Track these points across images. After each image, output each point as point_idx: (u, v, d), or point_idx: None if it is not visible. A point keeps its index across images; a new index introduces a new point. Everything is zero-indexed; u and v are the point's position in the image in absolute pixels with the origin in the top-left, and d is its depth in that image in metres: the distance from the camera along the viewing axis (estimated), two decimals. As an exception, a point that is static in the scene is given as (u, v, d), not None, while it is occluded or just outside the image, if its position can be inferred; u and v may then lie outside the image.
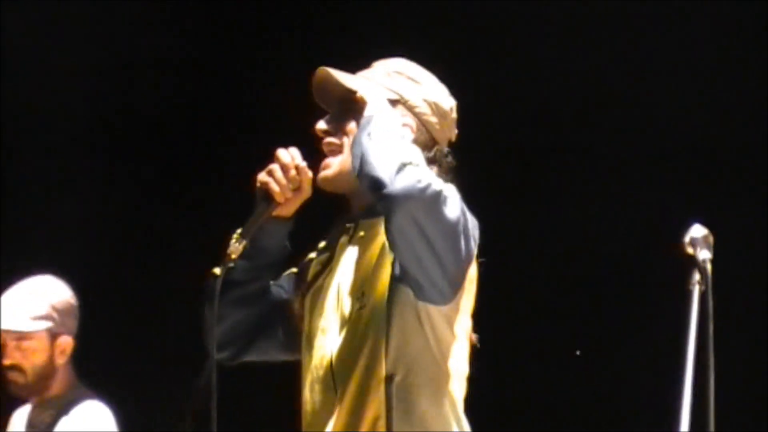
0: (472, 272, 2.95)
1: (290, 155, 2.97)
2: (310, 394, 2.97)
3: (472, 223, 2.90)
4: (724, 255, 3.51)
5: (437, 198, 2.74)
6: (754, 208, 5.89)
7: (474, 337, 3.06)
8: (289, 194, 2.97)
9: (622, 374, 6.08)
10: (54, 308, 4.40)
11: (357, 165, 2.79)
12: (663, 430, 3.47)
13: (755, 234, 5.71)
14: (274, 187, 2.93)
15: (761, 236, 5.78)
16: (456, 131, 3.10)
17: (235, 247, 2.94)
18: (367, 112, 2.84)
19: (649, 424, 4.98)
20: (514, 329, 6.66)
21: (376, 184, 2.72)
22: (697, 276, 3.41)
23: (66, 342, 4.40)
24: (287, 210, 3.01)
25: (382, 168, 2.71)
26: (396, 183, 2.69)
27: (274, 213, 2.97)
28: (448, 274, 2.85)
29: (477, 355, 3.14)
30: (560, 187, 6.81)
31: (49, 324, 4.37)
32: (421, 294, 2.86)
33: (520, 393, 6.40)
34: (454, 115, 3.06)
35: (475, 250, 2.93)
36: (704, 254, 3.44)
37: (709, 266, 3.41)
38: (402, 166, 2.70)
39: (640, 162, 6.43)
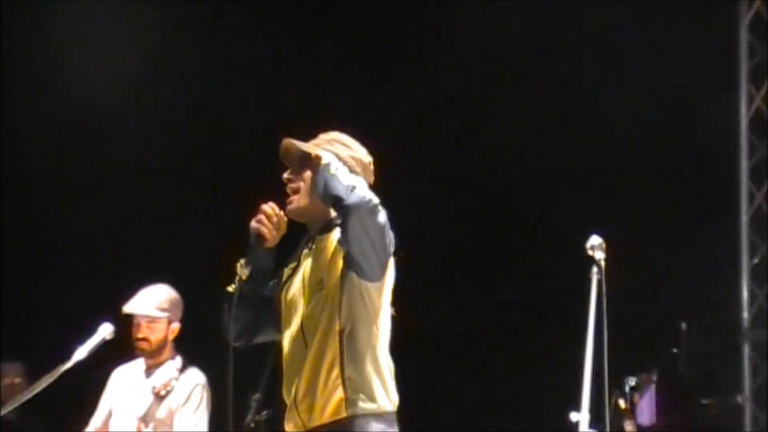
0: (391, 262, 4.06)
1: (271, 208, 4.11)
2: (289, 349, 4.10)
3: (390, 231, 3.99)
4: (612, 255, 4.82)
5: (375, 208, 3.89)
6: (635, 223, 7.26)
7: (392, 310, 4.15)
8: (274, 233, 4.13)
9: (542, 336, 7.27)
10: (171, 304, 6.04)
11: (322, 190, 3.95)
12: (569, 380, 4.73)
13: (637, 241, 6.93)
14: (264, 230, 4.09)
15: (641, 243, 7.07)
16: (373, 177, 4.20)
17: (243, 271, 4.11)
18: (324, 161, 3.97)
19: (557, 374, 5.82)
20: (442, 316, 7.83)
21: (338, 200, 3.90)
22: (595, 269, 4.83)
23: (176, 327, 6.05)
24: (272, 242, 4.17)
25: (341, 189, 3.89)
26: (351, 198, 3.87)
27: (265, 246, 4.16)
28: (380, 259, 3.97)
29: (399, 323, 4.15)
30: (498, 195, 7.87)
31: (167, 314, 6.02)
32: (362, 274, 3.97)
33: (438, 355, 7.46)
34: (371, 167, 4.20)
35: (392, 248, 4.03)
36: (600, 255, 4.84)
37: (603, 263, 4.84)
38: (353, 188, 3.89)
39: (555, 190, 7.70)
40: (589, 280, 4.85)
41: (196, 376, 6.18)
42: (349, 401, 4.03)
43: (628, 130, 7.66)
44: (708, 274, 7.79)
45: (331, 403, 4.05)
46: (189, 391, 6.14)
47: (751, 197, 8.11)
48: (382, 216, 3.94)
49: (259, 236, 4.06)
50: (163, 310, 6.03)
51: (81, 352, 5.45)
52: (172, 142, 7.88)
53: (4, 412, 5.70)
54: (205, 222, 7.80)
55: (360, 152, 4.17)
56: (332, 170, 3.93)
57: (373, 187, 4.08)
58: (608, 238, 4.94)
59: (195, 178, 7.95)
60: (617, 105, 7.61)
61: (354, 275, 4.02)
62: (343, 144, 4.16)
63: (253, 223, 4.10)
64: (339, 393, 4.05)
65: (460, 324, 8.20)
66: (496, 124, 8.18)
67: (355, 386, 4.06)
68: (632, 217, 7.49)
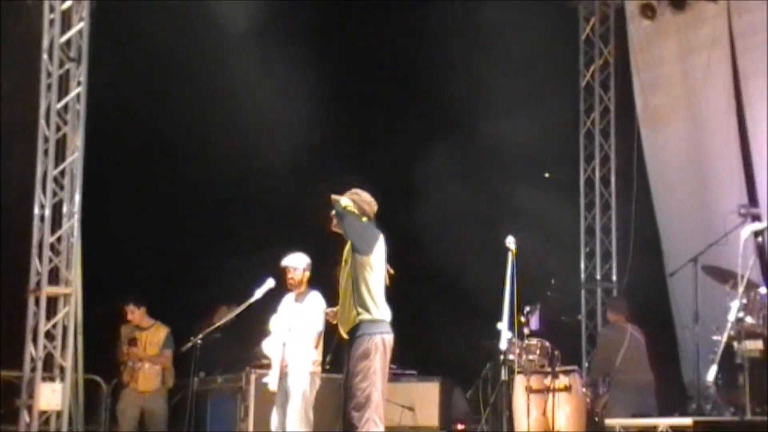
0: (381, 243, 6.89)
1: (327, 313, 7.62)
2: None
3: (373, 229, 6.86)
4: (522, 247, 7.54)
5: (356, 217, 6.88)
6: (530, 229, 9.15)
7: (389, 267, 6.92)
8: (332, 316, 7.39)
9: (484, 290, 9.05)
10: (305, 260, 9.19)
11: (336, 211, 6.89)
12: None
13: (531, 240, 8.52)
14: (330, 320, 7.46)
15: (534, 241, 8.93)
16: (375, 209, 6.94)
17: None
18: (338, 200, 6.92)
19: (490, 307, 7.60)
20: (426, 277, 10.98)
21: (340, 214, 6.97)
22: (510, 255, 7.57)
23: (308, 274, 9.17)
24: (335, 320, 7.18)
25: (339, 209, 6.88)
26: (341, 211, 6.92)
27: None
28: (366, 243, 6.76)
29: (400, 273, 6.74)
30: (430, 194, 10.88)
31: (305, 265, 9.20)
32: (357, 251, 6.81)
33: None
34: (373, 204, 7.00)
35: (375, 240, 6.75)
36: (513, 247, 7.56)
37: (514, 250, 7.58)
38: (345, 207, 6.95)
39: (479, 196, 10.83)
40: (507, 261, 7.37)
41: (317, 295, 9.23)
42: (358, 314, 6.65)
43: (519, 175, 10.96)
44: (565, 257, 11.93)
45: (350, 317, 6.68)
46: (313, 303, 9.07)
47: (585, 218, 12.43)
48: (361, 220, 6.83)
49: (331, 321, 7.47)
50: (302, 262, 9.35)
51: (258, 293, 8.78)
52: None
53: (214, 327, 8.92)
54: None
55: (365, 197, 7.11)
56: (340, 200, 6.97)
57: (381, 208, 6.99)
58: (517, 237, 7.40)
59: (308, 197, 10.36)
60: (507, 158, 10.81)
61: (356, 254, 6.80)
62: (356, 193, 7.13)
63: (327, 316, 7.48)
64: (354, 311, 6.65)
65: (440, 283, 11.72)
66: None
67: (360, 306, 6.71)
68: (530, 226, 9.64)
